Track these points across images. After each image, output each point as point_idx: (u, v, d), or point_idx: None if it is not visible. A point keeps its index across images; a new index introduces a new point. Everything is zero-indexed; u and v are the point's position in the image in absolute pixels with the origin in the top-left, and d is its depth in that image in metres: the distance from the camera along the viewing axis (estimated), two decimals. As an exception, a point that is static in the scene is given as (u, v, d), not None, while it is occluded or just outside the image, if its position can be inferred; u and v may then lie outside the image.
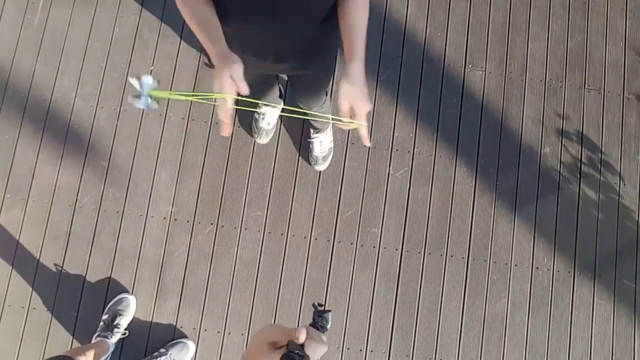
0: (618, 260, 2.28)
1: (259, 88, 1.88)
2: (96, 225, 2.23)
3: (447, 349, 2.18)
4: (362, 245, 2.25)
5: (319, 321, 0.72)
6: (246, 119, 2.32)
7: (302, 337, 0.60)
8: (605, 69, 2.47)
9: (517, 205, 2.32)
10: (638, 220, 2.33)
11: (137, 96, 0.90)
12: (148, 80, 0.85)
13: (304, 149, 2.30)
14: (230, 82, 0.98)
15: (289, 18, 1.20)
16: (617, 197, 2.34)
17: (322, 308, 0.74)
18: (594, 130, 2.41)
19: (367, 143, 1.15)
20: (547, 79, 2.44)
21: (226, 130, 1.01)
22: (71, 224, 2.23)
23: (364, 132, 1.13)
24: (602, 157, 2.38)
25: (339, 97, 1.10)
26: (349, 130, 2.33)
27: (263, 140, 2.28)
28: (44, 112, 2.33)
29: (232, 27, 1.20)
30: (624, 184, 2.36)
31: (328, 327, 0.72)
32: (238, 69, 0.99)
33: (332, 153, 2.28)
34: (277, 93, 2.11)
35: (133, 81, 0.90)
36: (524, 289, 2.25)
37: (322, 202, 2.28)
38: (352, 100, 1.10)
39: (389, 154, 2.34)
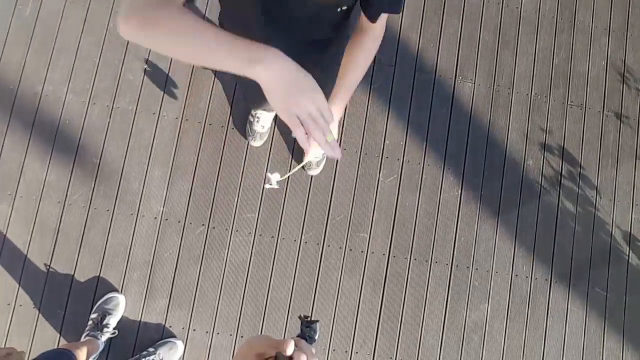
0: (591, 269, 2.41)
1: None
2: (86, 223, 2.22)
3: (429, 351, 2.26)
4: (350, 250, 2.30)
5: (307, 332, 0.72)
6: (240, 121, 2.34)
7: (290, 349, 0.59)
8: (588, 85, 2.58)
9: (500, 214, 2.41)
10: (611, 233, 2.46)
11: (270, 184, 1.12)
12: (277, 177, 1.07)
13: (297, 153, 2.33)
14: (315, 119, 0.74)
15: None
16: (593, 210, 2.46)
17: (309, 319, 0.74)
18: (575, 145, 2.51)
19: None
20: (532, 94, 2.53)
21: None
22: (60, 221, 2.21)
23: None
24: (581, 171, 2.49)
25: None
26: (341, 137, 2.38)
27: (257, 143, 2.31)
28: (34, 106, 2.29)
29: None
30: (600, 198, 2.48)
31: (316, 337, 0.73)
32: (318, 91, 0.72)
33: (325, 158, 2.32)
34: None
35: (272, 184, 1.11)
36: (503, 295, 2.34)
37: (313, 206, 2.32)
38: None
39: (379, 161, 2.39)
